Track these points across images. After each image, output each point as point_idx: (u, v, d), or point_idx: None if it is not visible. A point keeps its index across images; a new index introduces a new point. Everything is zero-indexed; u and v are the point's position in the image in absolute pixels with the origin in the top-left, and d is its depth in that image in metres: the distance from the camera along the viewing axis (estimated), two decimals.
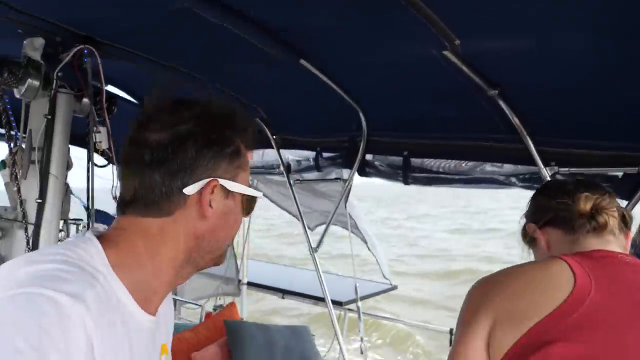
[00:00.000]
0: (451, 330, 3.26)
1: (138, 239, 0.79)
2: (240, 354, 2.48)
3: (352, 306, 3.82)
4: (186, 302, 3.89)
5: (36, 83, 2.01)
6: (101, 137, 2.06)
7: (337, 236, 4.26)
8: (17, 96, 2.04)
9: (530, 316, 0.97)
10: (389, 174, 2.63)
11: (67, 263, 0.70)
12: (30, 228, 2.00)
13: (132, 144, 0.81)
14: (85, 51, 2.01)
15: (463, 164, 2.36)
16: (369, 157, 2.69)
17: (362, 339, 3.20)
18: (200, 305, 3.61)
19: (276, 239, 21.52)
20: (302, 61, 2.07)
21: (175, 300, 3.98)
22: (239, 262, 4.59)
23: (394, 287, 4.79)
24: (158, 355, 0.90)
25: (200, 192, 0.80)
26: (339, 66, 2.16)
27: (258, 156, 3.28)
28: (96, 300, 0.68)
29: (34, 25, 1.98)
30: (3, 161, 2.09)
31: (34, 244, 2.00)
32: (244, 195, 0.86)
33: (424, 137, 2.43)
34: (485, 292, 1.08)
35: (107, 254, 0.75)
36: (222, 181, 0.81)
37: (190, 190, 0.79)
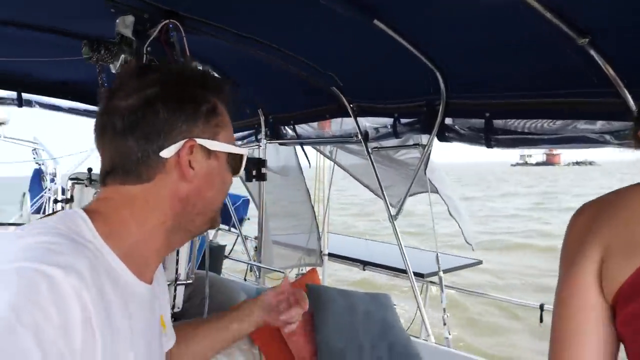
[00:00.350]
0: (541, 305, 3.11)
1: (123, 207, 0.77)
2: (322, 317, 2.53)
3: (434, 279, 3.78)
4: (271, 269, 4.05)
5: (129, 58, 2.18)
6: None
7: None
8: (113, 71, 2.22)
9: None
10: (470, 137, 2.54)
11: (58, 235, 0.69)
12: None
13: (103, 114, 0.80)
14: (171, 25, 2.13)
15: (551, 123, 2.21)
16: (448, 121, 2.61)
17: (444, 311, 3.15)
18: (284, 272, 3.74)
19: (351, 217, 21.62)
20: (376, 21, 2.04)
21: (259, 268, 4.16)
22: (320, 234, 4.69)
23: (479, 262, 4.64)
24: (158, 325, 0.90)
25: (178, 154, 0.78)
26: (414, 25, 2.10)
27: (337, 125, 3.30)
28: (89, 270, 0.66)
29: (125, 4, 2.12)
30: None
31: None
32: (228, 154, 0.85)
33: (507, 97, 2.30)
34: (593, 217, 0.86)
35: (96, 226, 0.73)
36: (200, 141, 0.79)
37: (167, 153, 0.77)
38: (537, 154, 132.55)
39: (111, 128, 0.77)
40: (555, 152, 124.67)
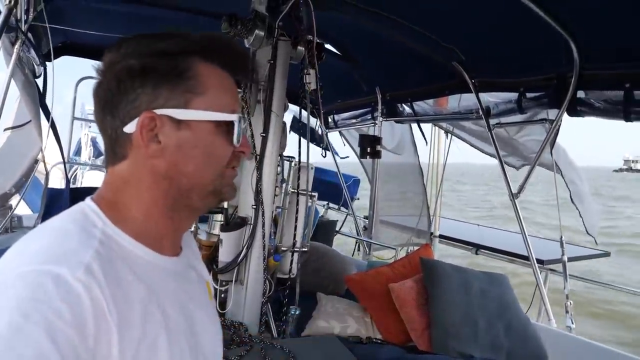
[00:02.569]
0: None
1: (119, 190, 0.75)
2: (437, 291, 2.53)
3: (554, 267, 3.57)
4: (382, 245, 4.09)
5: (262, 33, 2.33)
6: (310, 78, 2.28)
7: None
8: (247, 45, 2.39)
9: None
10: (606, 110, 2.35)
11: (64, 232, 0.68)
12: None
13: (93, 96, 0.77)
14: (301, 1, 2.24)
15: None
16: (580, 94, 2.45)
17: (567, 297, 2.98)
18: (395, 249, 3.77)
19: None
20: None
21: (369, 245, 4.23)
22: (431, 216, 4.63)
23: (607, 254, 4.29)
24: (202, 293, 0.87)
25: (139, 128, 0.72)
26: None
27: (454, 102, 3.24)
28: (98, 261, 0.64)
29: None
30: None
31: (258, 172, 2.35)
32: (212, 122, 0.75)
33: None
34: None
35: (104, 211, 0.72)
36: (162, 111, 0.72)
37: (129, 128, 0.72)
38: None
39: (96, 106, 0.76)
40: None
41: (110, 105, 0.73)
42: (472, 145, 3.79)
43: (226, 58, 0.77)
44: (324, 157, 2.72)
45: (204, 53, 0.75)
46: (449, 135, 4.05)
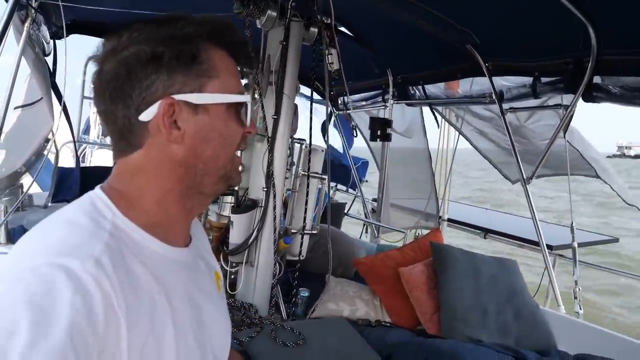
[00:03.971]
0: None
1: (132, 179, 0.74)
2: (447, 275, 2.54)
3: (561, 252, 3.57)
4: (391, 229, 4.10)
5: (274, 14, 2.30)
6: (332, 58, 2.25)
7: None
8: (259, 26, 2.36)
9: None
10: (625, 97, 2.32)
11: (70, 225, 0.67)
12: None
13: (94, 84, 0.75)
14: None
15: None
16: (597, 79, 2.41)
17: (576, 283, 2.97)
18: (404, 232, 3.77)
19: None
20: None
21: (378, 228, 4.24)
22: (440, 199, 4.62)
23: (615, 240, 4.28)
24: (210, 282, 0.87)
25: (158, 115, 0.71)
26: None
27: (466, 85, 3.20)
28: (107, 253, 0.64)
29: None
30: (247, 84, 2.45)
31: (270, 155, 2.34)
32: (227, 104, 0.75)
33: None
34: None
35: (114, 202, 0.72)
36: (181, 96, 0.71)
37: (145, 116, 0.71)
38: (637, 145, 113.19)
39: (99, 95, 0.74)
40: None
41: (120, 93, 0.71)
42: (474, 146, 3.77)
43: (230, 42, 0.77)
44: (355, 136, 2.72)
45: (211, 36, 0.74)
46: (460, 119, 4.02)
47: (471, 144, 4.16)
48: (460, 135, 4.21)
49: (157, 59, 0.70)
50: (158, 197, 0.74)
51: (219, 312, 0.86)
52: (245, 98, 0.77)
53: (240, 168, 0.83)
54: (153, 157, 0.73)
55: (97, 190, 0.74)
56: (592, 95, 2.44)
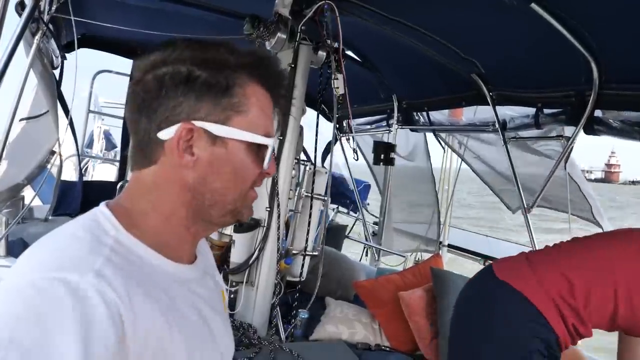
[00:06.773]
0: None
1: (140, 194, 0.74)
2: (447, 302, 2.53)
3: None
4: (391, 252, 4.10)
5: (284, 36, 2.35)
6: (338, 83, 2.29)
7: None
8: (268, 48, 2.40)
9: None
10: (624, 131, 2.35)
11: (75, 239, 0.67)
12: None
13: (130, 94, 0.76)
14: (326, 6, 2.25)
15: None
16: (598, 112, 2.45)
17: None
18: (404, 257, 3.77)
19: None
20: (534, 5, 1.98)
21: (378, 251, 4.23)
22: (441, 225, 4.63)
23: None
24: (217, 301, 0.86)
25: (176, 136, 0.70)
26: (574, 10, 2.00)
27: (470, 113, 3.24)
28: (109, 267, 0.64)
29: None
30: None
31: (275, 175, 2.36)
32: (246, 142, 0.73)
33: None
34: None
35: (118, 218, 0.71)
36: (202, 124, 0.71)
37: (164, 134, 0.71)
38: (597, 169, 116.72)
39: (131, 104, 0.75)
40: (614, 169, 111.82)
41: (148, 107, 0.71)
42: (475, 172, 3.79)
43: (270, 79, 0.76)
44: (356, 160, 2.76)
45: (251, 70, 0.74)
46: (462, 146, 4.06)
47: (473, 170, 4.20)
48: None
49: (190, 82, 0.70)
50: (164, 216, 0.74)
51: (225, 329, 0.86)
52: (268, 141, 0.75)
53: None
54: (164, 175, 0.73)
55: (102, 206, 0.73)
56: (593, 128, 2.47)
